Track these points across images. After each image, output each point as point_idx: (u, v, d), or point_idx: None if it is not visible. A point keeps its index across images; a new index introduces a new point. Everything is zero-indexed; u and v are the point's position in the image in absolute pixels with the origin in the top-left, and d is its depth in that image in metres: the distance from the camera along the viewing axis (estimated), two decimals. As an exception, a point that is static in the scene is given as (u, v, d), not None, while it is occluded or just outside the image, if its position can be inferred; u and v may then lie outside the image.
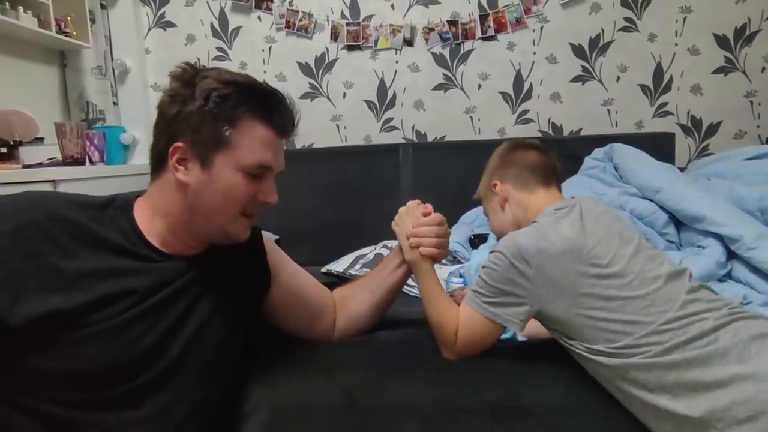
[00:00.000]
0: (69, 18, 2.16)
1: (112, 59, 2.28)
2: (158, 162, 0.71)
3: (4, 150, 1.71)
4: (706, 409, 0.64)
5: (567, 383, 0.80)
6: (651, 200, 1.47)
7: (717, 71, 2.09)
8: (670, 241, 1.43)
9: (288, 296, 0.89)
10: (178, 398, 0.69)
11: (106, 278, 0.64)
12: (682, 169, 1.73)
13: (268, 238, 0.92)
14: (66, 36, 2.12)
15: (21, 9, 1.88)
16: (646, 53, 2.11)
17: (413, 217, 0.92)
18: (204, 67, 0.71)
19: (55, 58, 2.31)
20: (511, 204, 0.93)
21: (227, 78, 0.69)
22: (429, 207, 0.94)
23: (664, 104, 2.14)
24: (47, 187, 1.50)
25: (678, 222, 1.44)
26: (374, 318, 0.96)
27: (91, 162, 1.80)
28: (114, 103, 2.32)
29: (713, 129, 2.13)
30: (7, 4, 1.82)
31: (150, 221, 0.72)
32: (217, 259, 0.77)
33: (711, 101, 2.11)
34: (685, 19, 2.08)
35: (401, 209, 0.96)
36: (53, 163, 1.74)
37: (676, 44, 2.10)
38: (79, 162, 1.78)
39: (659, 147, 1.79)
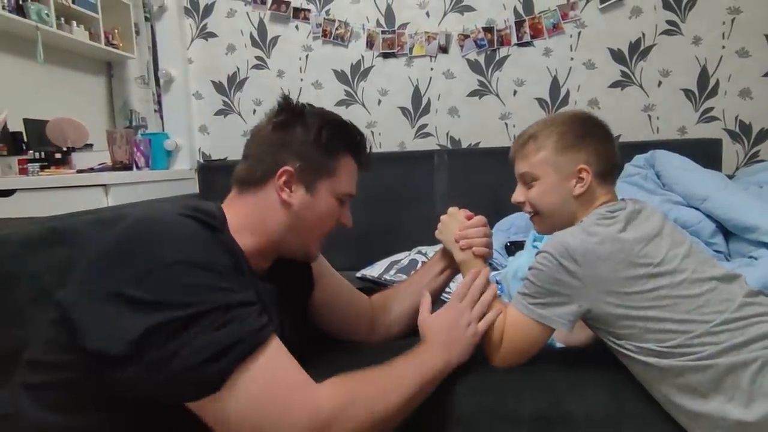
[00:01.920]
0: (116, 30, 2.27)
1: (155, 69, 2.37)
2: (259, 181, 0.76)
3: (59, 156, 1.81)
4: (762, 413, 0.62)
5: (610, 391, 0.78)
6: (697, 209, 1.41)
7: (768, 74, 2.01)
8: (717, 251, 1.37)
9: (328, 298, 0.93)
10: None
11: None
12: (730, 177, 1.66)
13: None
14: (113, 48, 2.23)
15: (74, 23, 1.99)
16: (690, 56, 2.04)
17: (458, 222, 0.92)
18: (308, 105, 0.81)
19: (103, 69, 2.43)
20: (583, 197, 0.82)
21: (330, 117, 0.80)
22: (468, 212, 0.95)
23: (710, 109, 2.06)
24: (99, 191, 1.57)
25: (726, 231, 1.38)
26: (414, 321, 0.97)
27: (138, 167, 1.88)
28: (155, 111, 2.42)
29: (764, 135, 2.04)
30: (62, 18, 1.93)
31: (238, 235, 0.71)
32: (281, 270, 0.82)
33: (762, 105, 2.02)
34: (733, 20, 2.00)
35: (443, 217, 0.95)
36: (104, 168, 1.83)
37: (723, 47, 2.02)
38: (126, 167, 1.86)
39: (704, 154, 1.73)
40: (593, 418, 0.76)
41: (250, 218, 0.75)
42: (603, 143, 0.83)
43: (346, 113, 2.27)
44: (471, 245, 0.88)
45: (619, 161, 0.86)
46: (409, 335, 0.96)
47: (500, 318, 0.80)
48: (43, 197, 1.58)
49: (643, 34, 2.06)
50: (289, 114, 0.78)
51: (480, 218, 0.92)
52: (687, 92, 2.07)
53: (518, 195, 0.87)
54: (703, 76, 2.04)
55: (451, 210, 0.95)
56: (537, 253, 0.79)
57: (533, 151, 0.84)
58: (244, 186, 0.77)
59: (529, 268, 0.79)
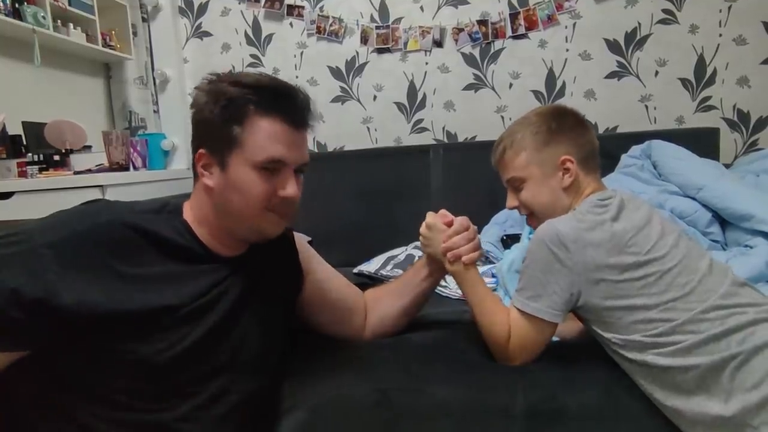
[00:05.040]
0: (113, 32, 2.28)
1: (153, 70, 2.38)
2: (194, 170, 0.75)
3: (57, 158, 1.82)
4: (739, 407, 0.63)
5: (603, 386, 0.78)
6: (693, 198, 1.41)
7: (767, 62, 1.99)
8: (714, 241, 1.36)
9: (319, 294, 0.92)
10: (229, 388, 0.73)
11: (164, 283, 0.68)
12: (727, 166, 1.65)
13: (301, 238, 0.95)
14: (111, 49, 2.24)
15: (71, 25, 2.00)
16: (686, 45, 2.03)
17: (440, 232, 0.87)
18: (225, 73, 0.73)
19: (100, 71, 2.44)
20: (572, 187, 0.83)
21: (236, 80, 0.71)
22: (447, 215, 0.90)
23: (707, 98, 2.04)
24: (96, 192, 1.58)
25: (723, 221, 1.37)
26: (403, 320, 0.97)
27: (135, 167, 1.89)
28: (154, 111, 2.43)
29: (763, 123, 2.02)
30: (59, 21, 1.94)
31: (195, 225, 0.75)
32: (256, 260, 0.80)
33: (760, 93, 2.00)
34: (730, 8, 1.98)
35: (423, 231, 0.91)
36: (101, 169, 1.84)
37: (720, 35, 2.00)
38: (123, 168, 1.87)
39: (702, 143, 1.71)
40: (586, 412, 0.76)
41: (194, 209, 0.76)
42: (577, 130, 0.84)
43: (341, 109, 2.29)
44: (459, 255, 0.85)
45: (597, 145, 0.86)
46: (399, 334, 0.97)
47: (504, 319, 0.80)
48: (41, 199, 1.60)
49: (639, 24, 2.05)
50: (201, 92, 0.72)
51: (461, 222, 0.87)
52: (684, 81, 2.05)
53: (511, 201, 0.88)
54: (700, 65, 2.03)
55: (429, 221, 0.90)
56: (530, 240, 0.80)
57: (513, 157, 0.85)
58: (194, 178, 0.77)
59: (523, 260, 0.80)
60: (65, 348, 0.63)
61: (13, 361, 0.63)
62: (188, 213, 0.76)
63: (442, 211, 0.90)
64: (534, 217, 0.86)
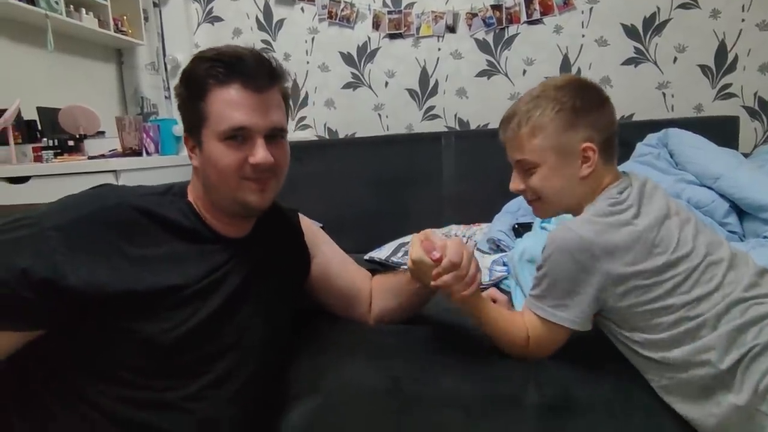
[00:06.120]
0: (125, 17, 2.27)
1: (164, 55, 2.38)
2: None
3: (71, 143, 1.84)
4: (750, 395, 0.62)
5: (615, 379, 0.78)
6: (710, 188, 1.38)
7: (790, 48, 1.93)
8: (732, 232, 1.34)
9: (323, 278, 0.92)
10: (236, 369, 0.74)
11: (170, 263, 0.69)
12: (746, 155, 1.61)
13: (309, 221, 0.96)
14: (122, 34, 2.24)
15: (83, 10, 2.00)
16: (707, 31, 1.97)
17: (428, 267, 0.72)
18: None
19: (112, 56, 2.44)
20: (590, 177, 0.74)
21: (197, 56, 0.71)
22: (434, 244, 0.72)
23: (728, 86, 1.99)
24: (110, 177, 1.60)
25: (741, 211, 1.35)
26: (403, 316, 0.96)
27: (147, 153, 1.91)
28: (166, 97, 2.43)
29: (784, 111, 1.97)
30: (71, 6, 1.94)
31: (198, 207, 0.77)
32: (261, 241, 0.81)
33: (782, 81, 1.95)
34: (753, -9, 1.92)
35: (410, 268, 0.76)
36: (114, 154, 1.86)
37: (743, 20, 1.94)
38: (136, 153, 1.89)
39: (721, 132, 1.67)
40: (598, 405, 0.75)
41: (192, 192, 0.78)
42: (601, 110, 0.75)
43: (353, 96, 2.27)
44: (457, 293, 0.72)
45: (618, 127, 0.78)
46: (409, 323, 0.96)
47: (520, 331, 0.76)
48: (56, 183, 1.61)
49: (658, 9, 2.00)
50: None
51: (451, 257, 0.70)
52: (704, 68, 2.00)
53: (516, 183, 0.79)
54: (721, 51, 1.98)
55: (414, 256, 0.74)
56: (545, 247, 0.74)
57: (527, 137, 0.74)
58: None
59: (541, 266, 0.74)
60: (75, 328, 0.64)
61: (27, 342, 0.65)
62: (191, 195, 0.78)
63: (428, 239, 0.75)
64: (540, 204, 0.79)
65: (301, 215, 0.96)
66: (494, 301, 0.94)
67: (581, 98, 0.74)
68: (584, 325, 0.72)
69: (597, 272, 0.68)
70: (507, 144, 0.79)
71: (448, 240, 0.73)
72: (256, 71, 0.70)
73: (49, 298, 0.61)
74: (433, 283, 0.72)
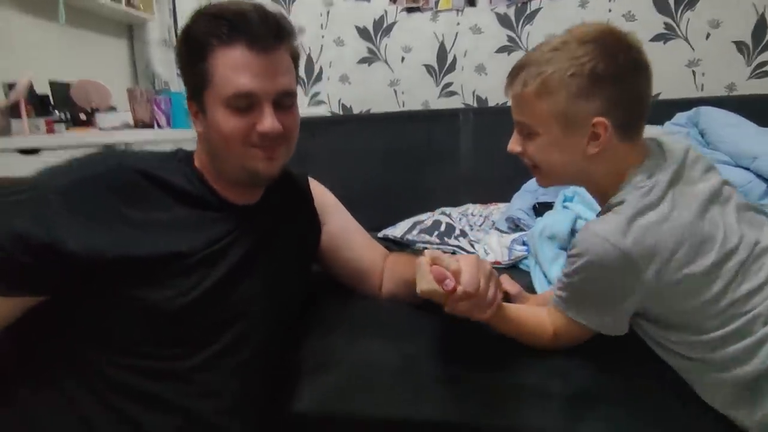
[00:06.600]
0: (137, -10, 2.23)
1: (176, 31, 2.34)
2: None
3: (83, 117, 1.83)
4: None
5: (642, 372, 0.74)
6: (746, 168, 1.31)
7: (833, 23, 1.82)
8: None
9: (332, 248, 0.90)
10: (243, 340, 0.72)
11: (173, 229, 0.67)
12: (782, 136, 1.53)
13: (321, 186, 0.93)
14: (134, 9, 2.21)
15: (94, -19, 1.97)
16: (746, 4, 1.86)
17: (443, 297, 0.63)
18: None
19: (123, 31, 2.42)
20: (599, 155, 0.65)
21: (199, 13, 0.67)
22: (444, 274, 0.61)
23: (765, 63, 1.89)
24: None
25: (778, 193, 1.28)
26: (418, 301, 0.92)
27: (159, 126, 1.89)
28: (177, 74, 2.40)
29: (827, 91, 1.87)
30: (81, -23, 1.91)
31: (204, 173, 0.74)
32: (270, 209, 0.79)
33: (826, 58, 1.84)
34: (798, -39, 1.81)
35: (419, 292, 0.64)
36: (126, 126, 1.85)
37: (785, -8, 1.83)
38: (148, 126, 1.87)
39: (757, 111, 1.58)
40: (621, 398, 0.73)
41: (198, 158, 0.75)
42: (628, 79, 0.63)
43: (368, 71, 2.21)
44: (480, 315, 0.65)
45: (650, 99, 0.68)
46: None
47: (547, 332, 0.73)
48: (67, 155, 1.61)
49: (692, -19, 1.89)
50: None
51: (466, 283, 0.61)
52: (739, 44, 1.90)
53: (514, 144, 0.72)
54: (760, 26, 1.87)
55: (424, 288, 0.63)
56: (574, 254, 0.65)
57: (532, 98, 0.65)
58: None
59: (569, 274, 0.67)
60: (79, 295, 0.62)
61: (28, 309, 0.63)
62: (197, 161, 0.75)
63: (438, 262, 0.63)
64: (537, 170, 0.71)
65: (311, 179, 0.92)
66: (507, 294, 0.87)
67: (606, 62, 0.62)
68: (619, 330, 0.68)
69: (640, 288, 0.62)
70: (509, 97, 0.71)
71: (462, 260, 0.63)
72: (262, 30, 0.65)
73: (49, 263, 0.59)
74: (447, 310, 0.64)
